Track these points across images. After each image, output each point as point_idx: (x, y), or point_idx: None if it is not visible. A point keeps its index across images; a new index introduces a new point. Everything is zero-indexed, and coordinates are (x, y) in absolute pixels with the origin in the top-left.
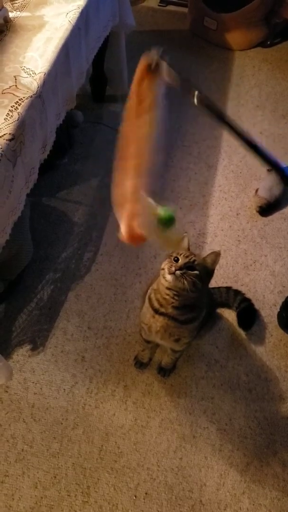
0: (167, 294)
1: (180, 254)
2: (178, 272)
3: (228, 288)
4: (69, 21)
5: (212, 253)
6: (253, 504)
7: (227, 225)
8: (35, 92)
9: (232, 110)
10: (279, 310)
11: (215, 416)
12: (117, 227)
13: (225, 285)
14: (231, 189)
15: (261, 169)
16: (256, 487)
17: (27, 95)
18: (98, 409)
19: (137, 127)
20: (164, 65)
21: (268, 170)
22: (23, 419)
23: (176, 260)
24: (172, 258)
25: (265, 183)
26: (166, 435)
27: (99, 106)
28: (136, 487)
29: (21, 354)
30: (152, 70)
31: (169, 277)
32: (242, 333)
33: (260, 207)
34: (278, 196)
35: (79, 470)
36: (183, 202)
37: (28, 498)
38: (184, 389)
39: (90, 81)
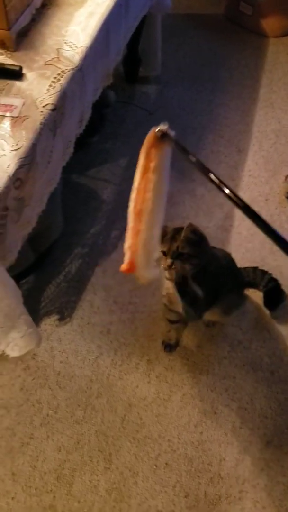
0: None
1: (165, 247)
2: (171, 268)
3: (255, 268)
4: None
5: (186, 227)
6: (272, 481)
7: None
8: (76, 65)
9: (264, 97)
10: None
11: (236, 395)
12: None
13: None
14: (261, 174)
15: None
16: (275, 465)
17: (69, 68)
18: (122, 380)
19: (144, 189)
20: (172, 136)
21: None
22: (49, 385)
23: (164, 253)
24: (162, 254)
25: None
26: (187, 410)
27: (131, 87)
28: (157, 457)
29: (48, 323)
30: (160, 140)
31: (167, 274)
32: (266, 316)
33: None
34: None
35: (102, 437)
36: (211, 185)
37: (52, 461)
38: (207, 366)
39: (124, 61)
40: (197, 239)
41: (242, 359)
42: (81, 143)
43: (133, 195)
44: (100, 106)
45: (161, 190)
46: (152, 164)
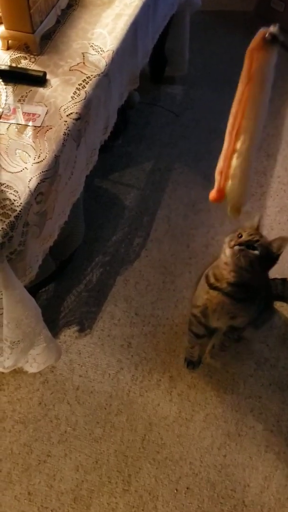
0: (224, 269)
1: (245, 231)
2: (236, 248)
3: (284, 280)
4: None
5: (279, 238)
6: None
7: (285, 218)
8: (102, 71)
9: None
10: None
11: (262, 416)
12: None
13: None
14: None
15: None
16: None
17: (94, 73)
18: (143, 397)
19: (245, 101)
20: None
21: None
22: (68, 400)
23: (240, 236)
24: (237, 233)
25: None
26: (210, 431)
27: (156, 87)
28: (178, 480)
29: (68, 335)
30: (267, 43)
31: (227, 251)
32: None
33: None
34: None
35: (121, 457)
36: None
37: (69, 480)
38: (231, 385)
39: (149, 61)
40: (276, 254)
41: (269, 378)
42: (103, 146)
43: (233, 109)
44: (123, 108)
45: (263, 103)
46: (255, 71)
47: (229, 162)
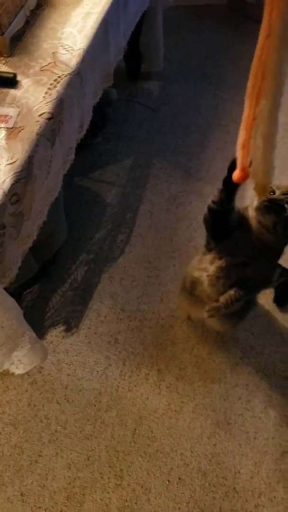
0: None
1: (279, 189)
2: (265, 204)
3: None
4: None
5: None
6: None
7: None
8: (73, 70)
9: None
10: None
11: (250, 403)
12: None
13: None
14: None
15: None
16: None
17: (65, 73)
18: (132, 392)
19: (266, 58)
20: None
21: None
22: (57, 400)
23: (272, 193)
24: (269, 190)
25: None
26: (200, 421)
27: (133, 84)
28: (170, 472)
29: (54, 335)
30: None
31: (255, 203)
32: (279, 319)
33: None
34: None
35: (112, 453)
36: (220, 183)
37: (62, 479)
38: (218, 375)
39: (125, 58)
40: None
41: (255, 366)
42: (82, 144)
43: (252, 69)
44: (101, 106)
45: (286, 58)
46: (275, 21)
47: (250, 132)
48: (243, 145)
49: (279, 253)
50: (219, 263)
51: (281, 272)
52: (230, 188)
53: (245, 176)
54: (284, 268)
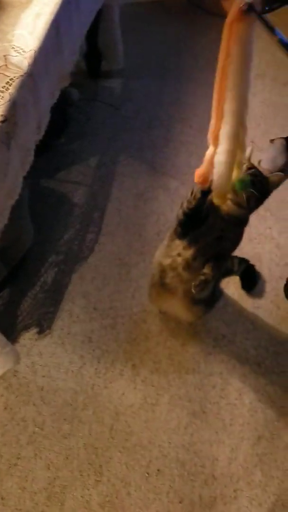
0: None
1: (244, 164)
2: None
3: (242, 259)
4: None
5: (277, 174)
6: (266, 476)
7: None
8: (26, 71)
9: None
10: (285, 282)
11: (224, 391)
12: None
13: None
14: None
15: (263, 140)
16: (268, 460)
17: (17, 75)
18: (107, 389)
19: (226, 71)
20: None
21: (271, 141)
22: (33, 402)
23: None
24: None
25: (268, 154)
26: (176, 412)
27: (94, 82)
28: (148, 464)
29: (27, 338)
30: (244, 13)
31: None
32: (248, 306)
33: None
34: (282, 166)
35: (91, 450)
36: (184, 177)
37: (41, 479)
38: (192, 365)
39: (85, 57)
40: (269, 188)
41: (228, 354)
42: (46, 146)
43: (214, 94)
44: (62, 106)
45: (246, 79)
46: (234, 44)
47: (216, 147)
48: (210, 158)
49: (248, 219)
50: (196, 245)
51: (239, 262)
52: (205, 194)
53: (205, 184)
54: (241, 258)
